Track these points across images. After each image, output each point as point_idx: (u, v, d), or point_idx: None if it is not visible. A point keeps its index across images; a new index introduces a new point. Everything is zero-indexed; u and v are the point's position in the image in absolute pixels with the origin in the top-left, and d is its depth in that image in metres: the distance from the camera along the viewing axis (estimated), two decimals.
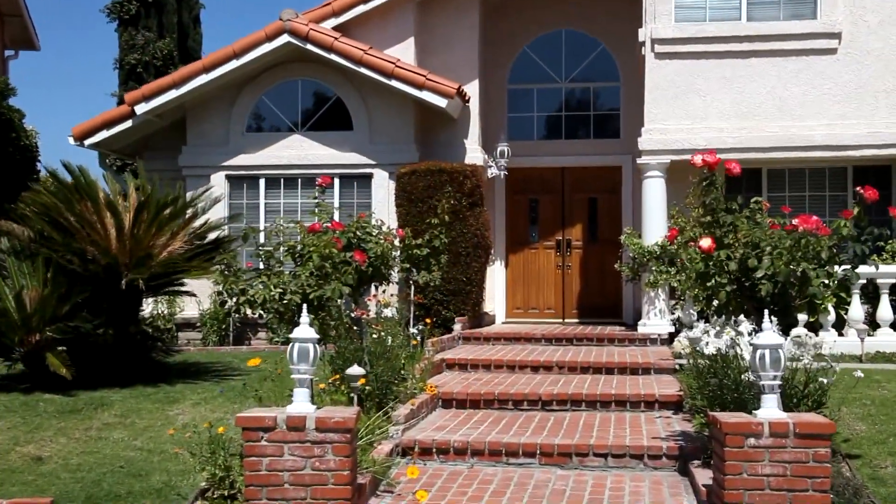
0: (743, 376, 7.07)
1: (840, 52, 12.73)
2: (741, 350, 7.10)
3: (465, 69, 14.97)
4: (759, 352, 6.04)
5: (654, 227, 13.06)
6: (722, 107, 13.03)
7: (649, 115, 13.16)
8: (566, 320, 15.98)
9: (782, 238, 6.84)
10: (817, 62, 12.82)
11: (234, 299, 6.93)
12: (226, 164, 14.83)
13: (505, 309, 16.16)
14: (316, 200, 9.37)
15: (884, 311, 12.08)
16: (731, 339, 7.23)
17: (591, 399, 9.35)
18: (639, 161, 13.16)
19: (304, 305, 6.98)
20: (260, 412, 6.02)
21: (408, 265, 12.74)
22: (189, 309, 14.32)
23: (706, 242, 6.86)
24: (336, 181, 14.75)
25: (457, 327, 13.49)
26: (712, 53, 13.05)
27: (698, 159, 7.13)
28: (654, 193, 13.10)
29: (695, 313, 12.86)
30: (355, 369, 8.16)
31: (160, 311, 14.56)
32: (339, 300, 7.20)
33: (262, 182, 14.93)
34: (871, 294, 12.20)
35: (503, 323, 15.95)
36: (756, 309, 6.91)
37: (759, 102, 12.94)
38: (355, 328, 9.37)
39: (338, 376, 8.51)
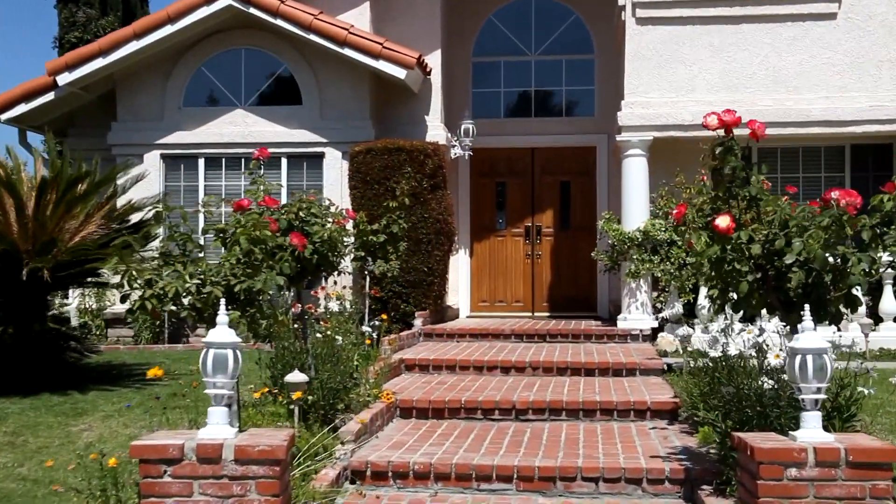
0: (763, 383, 5.82)
1: (840, 17, 11.55)
2: (767, 353, 5.84)
3: (427, 39, 13.62)
4: (799, 358, 4.80)
5: (635, 211, 11.82)
6: (710, 78, 11.80)
7: (630, 87, 11.90)
8: (536, 314, 14.72)
9: (815, 216, 5.59)
10: (815, 28, 11.63)
11: (142, 292, 5.53)
12: (161, 141, 13.37)
13: (470, 302, 14.87)
14: (254, 177, 8.00)
15: (887, 303, 10.97)
16: (753, 338, 5.97)
17: (572, 407, 8.08)
18: (618, 138, 11.90)
19: (226, 300, 5.64)
20: (163, 439, 4.66)
21: (362, 253, 11.43)
22: (125, 303, 12.83)
23: (724, 221, 5.59)
24: (284, 161, 13.36)
25: (417, 323, 12.17)
26: (699, 18, 11.82)
27: (712, 119, 5.86)
28: (635, 174, 11.86)
29: (680, 307, 11.67)
30: (296, 376, 6.83)
31: (87, 306, 13.11)
32: (273, 293, 5.83)
33: (201, 162, 13.48)
34: (872, 286, 11.07)
35: (468, 317, 14.65)
36: (783, 303, 5.65)
37: (751, 73, 11.73)
38: (298, 326, 8.05)
39: (266, 389, 7.19)
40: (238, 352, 4.84)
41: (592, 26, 14.48)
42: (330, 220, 7.90)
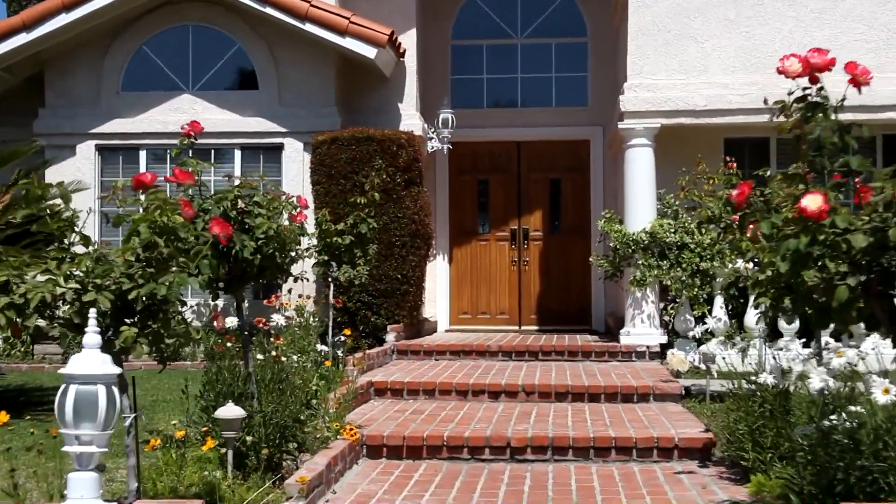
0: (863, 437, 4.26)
1: None
2: (869, 385, 4.27)
3: (400, 18, 12.04)
4: None
5: (640, 209, 10.28)
6: (725, 57, 10.29)
7: (633, 68, 10.37)
8: (523, 327, 13.13)
9: None
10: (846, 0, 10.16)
11: None
12: (96, 130, 11.68)
13: (449, 314, 13.26)
14: (182, 160, 6.43)
15: None
16: (848, 363, 4.42)
17: (581, 444, 6.51)
18: (620, 126, 10.36)
19: (118, 311, 4.04)
20: None
21: (326, 258, 9.82)
22: None
23: (814, 202, 4.01)
24: (237, 154, 11.72)
25: (390, 338, 10.56)
26: None
27: (793, 64, 4.35)
28: (640, 167, 10.31)
29: (692, 319, 10.13)
30: (229, 411, 5.22)
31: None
32: (180, 301, 4.22)
33: (142, 154, 11.81)
34: None
35: (447, 331, 13.04)
36: (892, 315, 4.10)
37: (773, 51, 10.19)
38: (236, 345, 6.44)
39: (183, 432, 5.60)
40: (115, 389, 3.23)
41: (585, 6, 12.96)
42: (284, 214, 6.27)
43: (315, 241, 9.80)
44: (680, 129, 10.67)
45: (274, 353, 6.49)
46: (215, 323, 6.16)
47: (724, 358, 8.82)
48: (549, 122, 13.05)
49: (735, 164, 7.71)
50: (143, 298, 4.06)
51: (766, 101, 4.72)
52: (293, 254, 6.70)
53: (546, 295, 13.16)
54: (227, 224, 4.50)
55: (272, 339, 7.32)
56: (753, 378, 5.91)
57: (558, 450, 6.49)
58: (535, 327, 13.06)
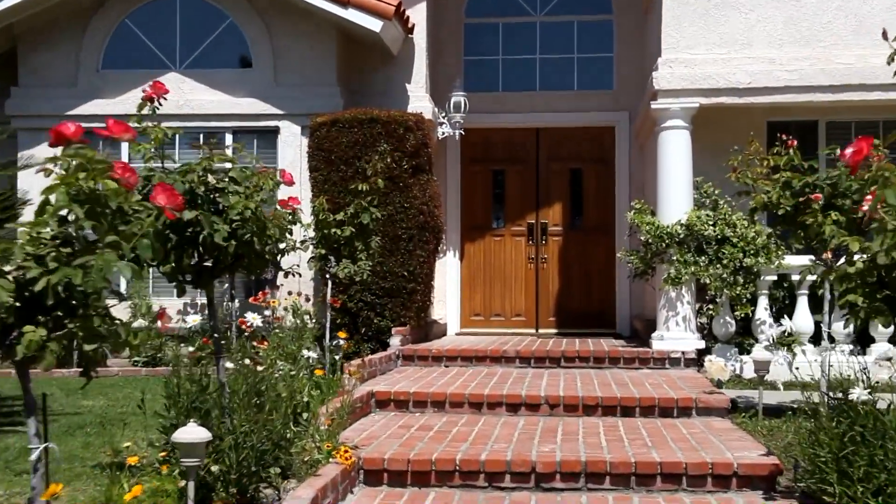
0: None
1: None
2: None
3: None
4: None
5: (675, 199, 9.20)
6: (772, 28, 9.20)
7: (668, 41, 9.28)
8: (541, 330, 12.05)
9: None
10: None
11: None
12: (74, 112, 10.65)
13: (460, 315, 12.19)
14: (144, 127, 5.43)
15: None
16: None
17: (621, 471, 5.44)
18: (653, 106, 9.27)
19: (23, 307, 3.02)
20: None
21: (323, 251, 8.76)
22: None
23: None
24: (229, 138, 10.68)
25: (394, 342, 9.49)
26: None
27: None
28: (675, 152, 9.23)
29: (733, 322, 9.06)
30: (189, 432, 4.18)
31: None
32: (108, 292, 3.16)
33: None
34: None
35: (458, 334, 11.97)
36: None
37: (826, 21, 9.13)
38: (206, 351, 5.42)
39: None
40: None
41: None
42: (262, 188, 5.21)
43: (311, 233, 8.75)
44: (716, 111, 9.61)
45: (250, 360, 5.42)
46: (159, 322, 5.10)
47: (794, 367, 7.79)
48: (570, 107, 11.98)
49: (795, 142, 6.64)
50: (59, 289, 3.01)
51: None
52: (282, 243, 5.68)
53: (565, 295, 12.08)
54: (175, 193, 3.43)
55: (256, 344, 6.26)
56: (840, 392, 4.82)
57: (593, 476, 5.43)
58: (554, 330, 11.99)
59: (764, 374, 7.13)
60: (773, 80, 9.04)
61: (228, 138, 10.64)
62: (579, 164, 12.11)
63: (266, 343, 6.29)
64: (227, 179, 5.02)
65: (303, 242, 8.79)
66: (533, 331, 12.02)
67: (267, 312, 7.47)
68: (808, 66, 9.04)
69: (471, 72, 12.16)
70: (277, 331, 7.08)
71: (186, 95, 10.62)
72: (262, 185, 5.11)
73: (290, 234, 9.07)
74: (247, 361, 5.61)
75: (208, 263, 5.05)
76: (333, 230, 8.63)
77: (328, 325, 8.61)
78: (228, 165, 5.15)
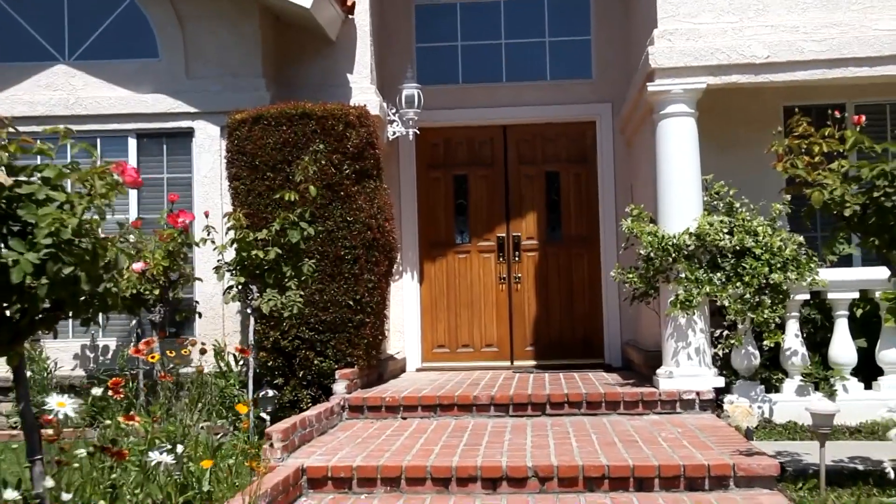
0: None
1: None
2: None
3: None
4: None
5: (680, 203, 7.45)
6: None
7: (666, 7, 7.55)
8: (517, 362, 10.24)
9: None
10: None
11: None
12: None
13: (421, 348, 10.34)
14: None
15: None
16: None
17: None
18: (650, 88, 7.52)
19: None
20: None
21: (242, 279, 6.92)
22: None
23: None
24: (131, 143, 8.79)
25: (339, 388, 7.64)
26: None
27: None
28: (678, 144, 7.49)
29: (757, 353, 7.33)
30: None
31: None
32: None
33: None
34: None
35: (419, 370, 10.12)
36: None
37: None
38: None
39: None
40: None
41: None
42: (94, 197, 3.37)
43: (225, 256, 6.89)
44: (721, 96, 7.94)
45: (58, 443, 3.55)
46: None
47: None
48: (542, 99, 10.22)
49: (863, 118, 4.97)
50: None
51: None
52: (172, 275, 3.83)
53: (544, 320, 10.28)
54: None
55: (123, 420, 4.37)
56: None
57: None
58: (532, 362, 10.18)
59: (827, 432, 5.35)
60: (797, 53, 7.33)
61: (131, 143, 8.74)
62: (555, 166, 10.34)
63: (138, 419, 4.39)
64: (35, 181, 3.17)
65: (217, 269, 6.94)
66: (507, 363, 10.20)
67: (159, 367, 5.62)
68: (838, 35, 7.33)
69: (425, 61, 10.35)
70: (164, 395, 5.20)
71: (78, 92, 8.72)
72: (94, 189, 3.25)
73: (184, 259, 7.22)
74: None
75: (11, 313, 3.19)
76: (254, 252, 6.78)
77: (251, 373, 6.75)
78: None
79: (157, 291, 7.16)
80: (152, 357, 5.70)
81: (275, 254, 6.74)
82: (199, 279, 8.14)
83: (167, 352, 7.71)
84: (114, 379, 4.57)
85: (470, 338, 10.32)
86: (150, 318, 7.26)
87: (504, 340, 10.31)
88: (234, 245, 6.83)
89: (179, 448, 4.38)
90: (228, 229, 6.82)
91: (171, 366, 7.57)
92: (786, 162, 5.04)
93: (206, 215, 7.76)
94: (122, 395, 4.75)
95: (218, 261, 6.92)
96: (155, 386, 6.39)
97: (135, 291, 6.93)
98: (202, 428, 6.32)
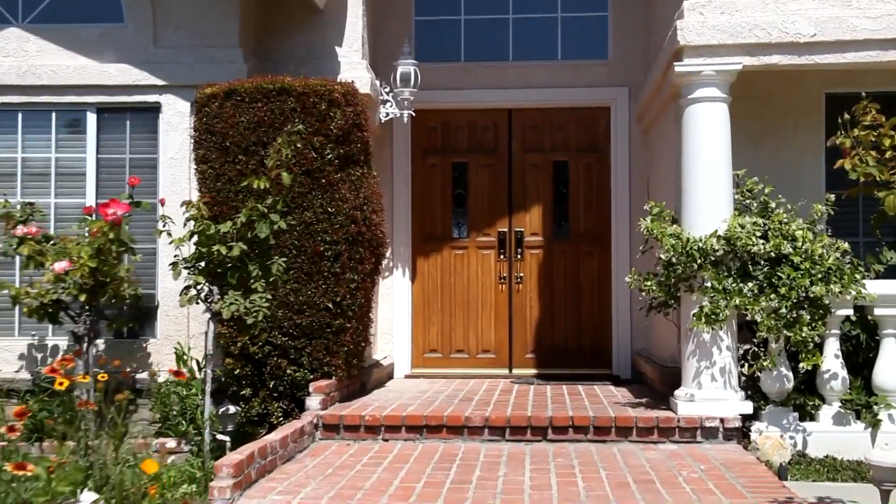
0: None
1: None
2: None
3: None
4: None
5: (708, 200, 6.51)
6: None
7: None
8: (516, 370, 9.32)
9: None
10: None
11: None
12: None
13: (411, 352, 9.41)
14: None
15: None
16: None
17: None
18: (677, 69, 6.56)
19: None
20: None
21: (201, 279, 6.00)
22: None
23: None
24: (91, 118, 7.86)
25: (312, 403, 6.71)
26: None
27: None
28: (707, 133, 6.54)
29: (790, 375, 6.40)
30: None
31: None
32: None
33: None
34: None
35: (408, 376, 9.21)
36: None
37: None
38: None
39: None
40: None
41: None
42: None
43: (182, 251, 5.96)
44: (756, 79, 7.00)
45: None
46: None
47: (884, 443, 5.02)
48: (552, 81, 9.26)
49: None
50: None
51: None
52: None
53: (547, 325, 9.35)
54: None
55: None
56: None
57: None
58: (533, 371, 9.26)
59: (890, 488, 4.42)
60: (848, 31, 6.38)
61: (91, 118, 7.81)
62: (564, 155, 9.39)
63: (31, 467, 3.45)
64: None
65: (173, 265, 6.02)
66: (505, 371, 9.29)
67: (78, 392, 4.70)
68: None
69: (425, 37, 9.40)
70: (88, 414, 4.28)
71: (32, 59, 7.78)
72: None
73: (117, 259, 6.33)
74: None
75: None
76: (216, 248, 5.85)
77: (208, 388, 5.83)
78: None
79: (82, 297, 6.18)
80: (67, 380, 4.73)
81: (239, 250, 5.81)
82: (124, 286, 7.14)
83: (113, 361, 6.78)
84: (17, 408, 3.65)
85: (465, 342, 9.40)
86: (71, 331, 6.30)
87: (502, 346, 9.39)
88: (194, 239, 5.91)
89: (88, 498, 3.46)
90: (187, 220, 5.88)
91: (126, 372, 6.63)
92: (854, 157, 4.09)
93: (162, 203, 6.83)
94: (17, 434, 3.83)
95: (175, 256, 5.99)
96: (113, 398, 5.47)
97: (55, 297, 6.04)
98: (155, 451, 5.43)
